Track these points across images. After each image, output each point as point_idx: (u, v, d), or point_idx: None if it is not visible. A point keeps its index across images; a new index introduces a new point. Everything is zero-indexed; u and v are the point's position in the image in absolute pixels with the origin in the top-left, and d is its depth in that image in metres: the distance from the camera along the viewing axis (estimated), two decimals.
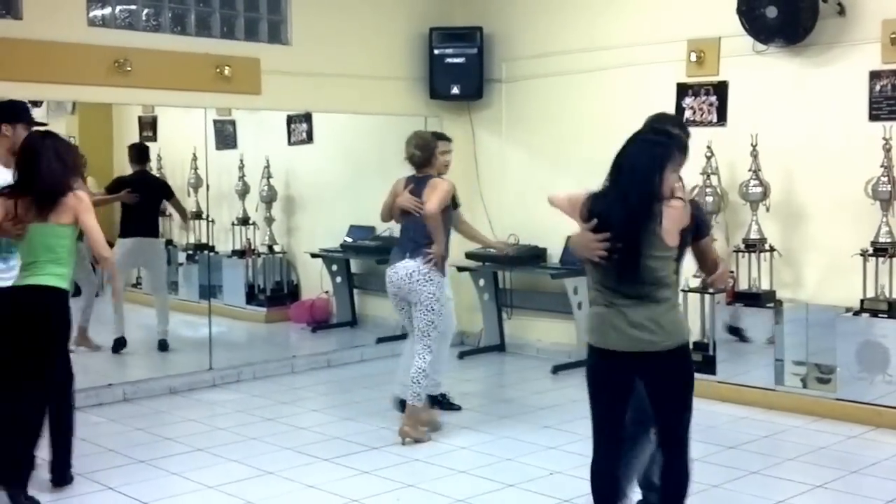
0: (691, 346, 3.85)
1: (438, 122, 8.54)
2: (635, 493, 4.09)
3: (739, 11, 6.50)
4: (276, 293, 9.61)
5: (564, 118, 7.87)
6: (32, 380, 4.56)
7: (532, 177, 7.97)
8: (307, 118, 9.28)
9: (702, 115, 7.02)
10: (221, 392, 7.07)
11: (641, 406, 3.63)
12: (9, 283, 4.65)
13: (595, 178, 3.62)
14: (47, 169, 4.52)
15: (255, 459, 5.34)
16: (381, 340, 8.30)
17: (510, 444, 5.62)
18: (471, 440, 5.71)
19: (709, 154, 6.61)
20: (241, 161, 9.57)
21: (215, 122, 8.94)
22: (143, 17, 7.02)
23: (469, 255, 7.87)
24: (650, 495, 4.06)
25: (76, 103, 8.01)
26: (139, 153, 8.17)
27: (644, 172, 3.44)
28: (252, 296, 9.60)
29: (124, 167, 8.35)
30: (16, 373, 4.52)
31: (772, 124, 6.61)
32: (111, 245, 7.48)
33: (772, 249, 6.50)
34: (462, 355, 7.98)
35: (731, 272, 6.44)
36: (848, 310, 6.04)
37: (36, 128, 5.00)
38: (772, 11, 6.32)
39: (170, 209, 8.60)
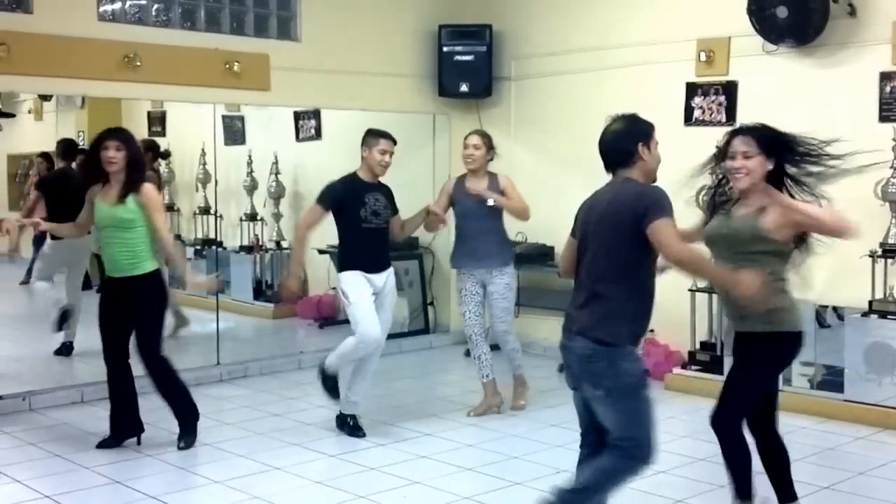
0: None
1: (447, 120, 8.56)
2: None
3: (749, 11, 6.49)
4: None
5: (573, 116, 7.85)
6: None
7: (540, 175, 7.96)
8: (316, 114, 9.29)
9: (711, 115, 7.01)
10: (228, 387, 7.09)
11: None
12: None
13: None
14: None
15: (262, 455, 5.35)
16: (387, 336, 8.26)
17: (517, 441, 5.62)
18: (478, 438, 5.72)
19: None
20: (250, 157, 9.59)
21: (224, 117, 8.95)
22: (153, 13, 7.04)
23: None
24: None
25: (85, 98, 8.02)
26: (65, 149, 7.73)
27: None
28: (260, 291, 9.61)
29: None
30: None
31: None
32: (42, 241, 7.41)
33: None
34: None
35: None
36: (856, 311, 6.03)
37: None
38: (782, 12, 6.31)
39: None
